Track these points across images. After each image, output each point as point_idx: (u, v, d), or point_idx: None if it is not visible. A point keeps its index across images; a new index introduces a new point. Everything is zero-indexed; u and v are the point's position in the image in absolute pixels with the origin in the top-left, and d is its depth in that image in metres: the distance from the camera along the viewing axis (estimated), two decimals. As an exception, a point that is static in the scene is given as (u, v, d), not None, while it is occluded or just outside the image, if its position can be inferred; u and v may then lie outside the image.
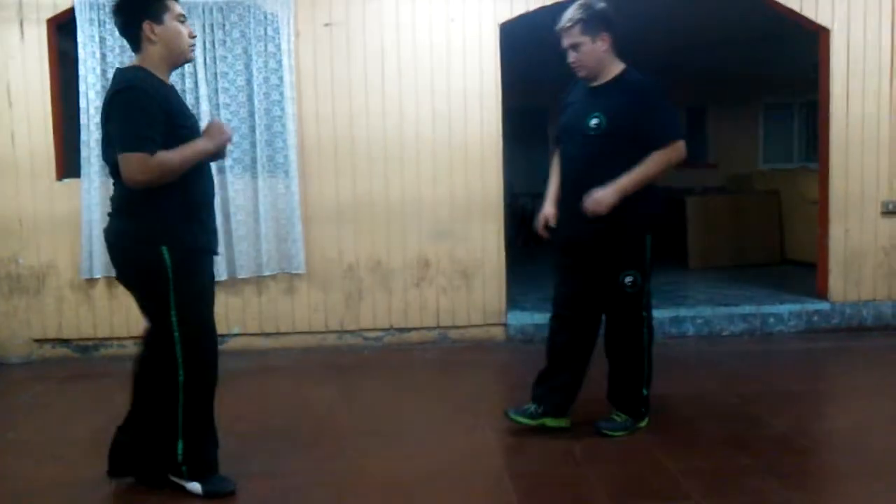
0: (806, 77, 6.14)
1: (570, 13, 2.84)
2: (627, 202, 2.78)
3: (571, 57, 2.88)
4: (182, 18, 2.43)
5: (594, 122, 2.85)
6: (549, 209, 3.05)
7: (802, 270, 6.17)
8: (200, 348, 2.44)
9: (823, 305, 4.92)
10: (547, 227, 3.05)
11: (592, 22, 2.82)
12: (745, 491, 2.44)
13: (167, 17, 2.38)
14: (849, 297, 4.92)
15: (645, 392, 3.00)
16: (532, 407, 3.03)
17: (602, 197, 2.75)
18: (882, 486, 2.47)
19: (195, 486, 2.46)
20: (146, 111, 2.26)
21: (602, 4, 2.89)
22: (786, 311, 4.88)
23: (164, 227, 2.35)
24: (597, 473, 2.63)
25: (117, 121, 2.29)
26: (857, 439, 2.96)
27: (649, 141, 2.79)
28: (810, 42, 5.09)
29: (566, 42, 2.87)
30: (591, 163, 2.85)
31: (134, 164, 2.24)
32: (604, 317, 3.02)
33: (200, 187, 2.43)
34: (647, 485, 2.51)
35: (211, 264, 2.53)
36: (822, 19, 4.80)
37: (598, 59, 2.86)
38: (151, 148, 2.24)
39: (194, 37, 2.49)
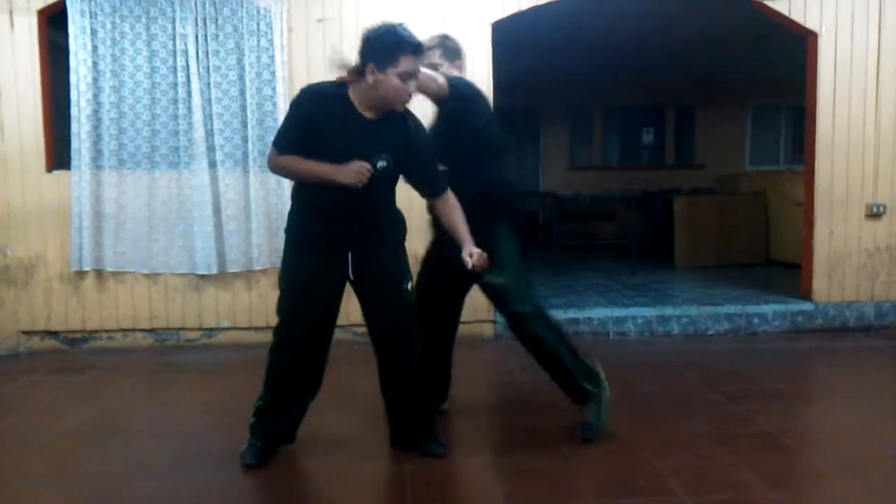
0: (793, 80, 6.21)
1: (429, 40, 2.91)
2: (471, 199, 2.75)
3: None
4: (407, 76, 2.48)
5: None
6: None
7: (787, 271, 6.25)
8: (282, 326, 2.70)
9: (807, 306, 4.99)
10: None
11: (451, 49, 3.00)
12: (730, 488, 2.48)
13: (390, 71, 2.46)
14: (832, 298, 5.00)
15: (585, 385, 2.89)
16: None
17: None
18: (862, 484, 2.52)
19: None
20: (293, 118, 2.57)
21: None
22: (770, 311, 4.94)
23: (290, 216, 2.75)
24: (583, 470, 2.66)
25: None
26: (839, 438, 3.02)
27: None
28: (798, 45, 5.16)
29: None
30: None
31: (269, 153, 2.67)
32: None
33: (321, 198, 2.60)
34: (632, 482, 2.55)
35: (314, 262, 2.69)
36: (810, 23, 4.86)
37: (439, 87, 2.77)
38: (281, 147, 2.58)
39: (411, 95, 2.57)
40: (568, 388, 2.95)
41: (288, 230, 2.77)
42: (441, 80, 2.76)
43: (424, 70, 2.66)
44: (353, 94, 2.57)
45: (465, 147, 2.86)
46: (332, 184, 2.50)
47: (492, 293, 2.93)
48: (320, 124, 2.53)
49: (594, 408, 2.91)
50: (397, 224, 2.82)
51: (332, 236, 2.66)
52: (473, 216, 2.73)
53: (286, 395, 2.75)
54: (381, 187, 2.64)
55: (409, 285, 2.78)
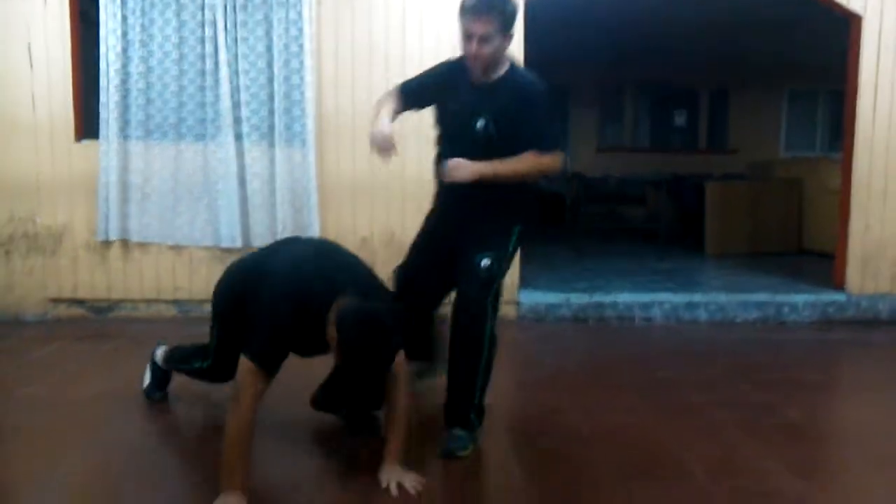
0: (832, 64, 6.03)
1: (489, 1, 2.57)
2: (499, 194, 2.63)
3: (475, 50, 2.53)
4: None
5: (480, 123, 2.61)
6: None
7: (820, 261, 6.11)
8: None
9: (839, 297, 4.87)
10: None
11: (510, 18, 2.57)
12: (752, 476, 2.43)
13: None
14: (865, 289, 4.87)
15: (472, 415, 2.67)
16: None
17: (461, 163, 2.54)
18: (889, 478, 2.45)
19: None
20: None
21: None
22: (801, 300, 4.83)
23: None
24: (603, 454, 2.62)
25: None
26: (867, 431, 2.94)
27: (528, 145, 2.57)
28: (839, 28, 4.99)
29: (475, 29, 2.50)
30: (474, 158, 2.61)
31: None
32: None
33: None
34: (653, 466, 2.51)
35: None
36: (853, 5, 4.69)
37: (500, 56, 2.61)
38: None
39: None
40: (458, 404, 2.67)
41: None
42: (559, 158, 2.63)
43: None
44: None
45: (520, 143, 2.61)
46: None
47: (475, 273, 2.64)
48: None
49: (466, 438, 2.62)
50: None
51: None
52: (497, 206, 2.66)
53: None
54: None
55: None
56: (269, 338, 2.18)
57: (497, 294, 2.68)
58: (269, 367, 2.15)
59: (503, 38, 2.57)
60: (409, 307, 2.73)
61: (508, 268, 2.79)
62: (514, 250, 2.78)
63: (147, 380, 3.13)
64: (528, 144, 2.58)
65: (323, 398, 2.84)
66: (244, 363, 2.15)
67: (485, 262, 2.61)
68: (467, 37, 2.53)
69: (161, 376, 3.10)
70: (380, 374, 2.26)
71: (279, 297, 2.20)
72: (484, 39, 2.50)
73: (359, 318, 2.07)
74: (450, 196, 2.83)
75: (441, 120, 2.83)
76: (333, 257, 2.43)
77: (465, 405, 2.65)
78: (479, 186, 2.58)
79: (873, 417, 3.11)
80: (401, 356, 2.33)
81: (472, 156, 2.57)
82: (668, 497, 2.29)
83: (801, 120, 10.32)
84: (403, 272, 2.94)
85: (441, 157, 2.76)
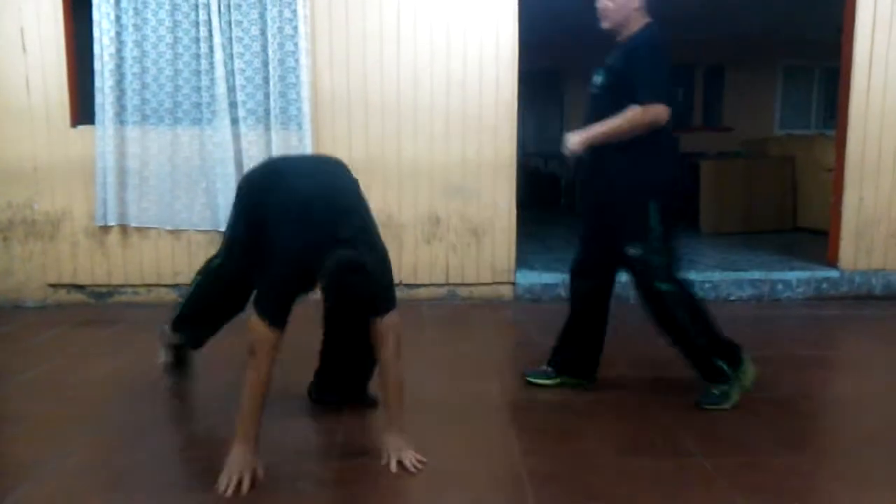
0: (827, 41, 6.02)
1: None
2: (624, 168, 2.74)
3: (601, 3, 2.82)
4: None
5: (599, 79, 2.85)
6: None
7: (814, 238, 6.15)
8: None
9: (833, 273, 4.91)
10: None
11: None
12: (747, 451, 2.48)
13: None
14: (859, 265, 4.92)
15: (714, 359, 2.85)
16: (547, 367, 3.13)
17: (569, 136, 2.78)
18: (882, 452, 2.50)
19: None
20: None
21: None
22: (794, 277, 4.88)
23: None
24: (600, 429, 2.67)
25: None
26: (861, 406, 2.99)
27: (633, 97, 2.67)
28: (835, 4, 4.98)
29: None
30: (595, 121, 2.79)
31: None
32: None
33: None
34: (649, 441, 2.56)
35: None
36: (848, -19, 4.69)
37: (627, 14, 2.78)
38: None
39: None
40: (701, 367, 2.89)
41: None
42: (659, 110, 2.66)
43: None
44: None
45: (624, 95, 2.72)
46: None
47: (630, 266, 2.84)
48: None
49: (724, 387, 2.86)
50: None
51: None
52: (628, 184, 2.75)
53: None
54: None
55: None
56: (279, 295, 2.28)
57: (661, 269, 2.80)
58: (280, 323, 2.26)
59: None
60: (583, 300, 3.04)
61: (664, 244, 2.80)
62: (661, 226, 2.78)
63: (162, 356, 3.04)
64: (629, 96, 2.67)
65: (317, 387, 2.91)
66: (256, 322, 2.24)
67: (633, 251, 2.77)
68: None
69: (175, 348, 3.01)
70: (362, 314, 2.34)
71: (290, 257, 2.28)
72: None
73: (341, 266, 2.16)
74: (585, 184, 3.01)
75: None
76: (338, 198, 2.48)
77: (704, 363, 2.87)
78: (599, 162, 2.80)
79: (866, 392, 3.16)
80: (393, 317, 2.40)
81: (592, 113, 2.80)
82: (663, 470, 2.34)
83: (795, 97, 10.30)
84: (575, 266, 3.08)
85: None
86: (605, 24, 2.86)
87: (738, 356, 2.89)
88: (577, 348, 3.10)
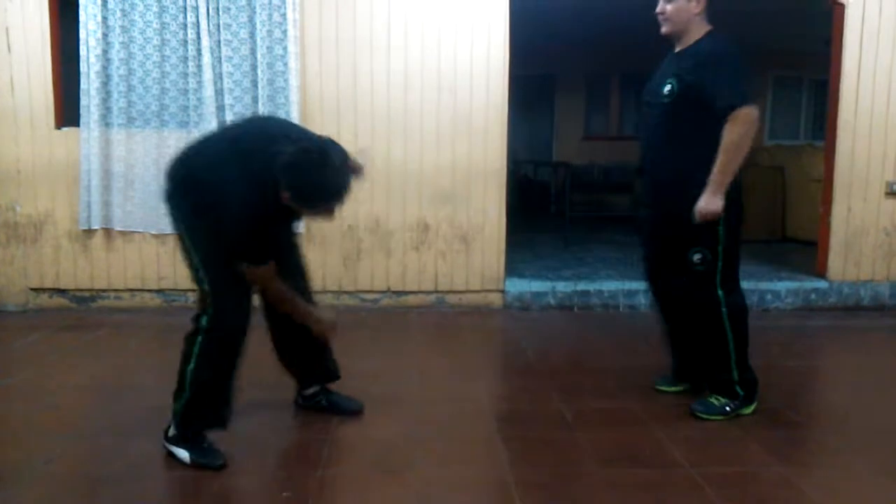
0: (816, 52, 6.05)
1: None
2: (694, 181, 2.67)
3: (660, 7, 2.76)
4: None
5: (667, 88, 2.72)
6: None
7: (803, 248, 6.16)
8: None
9: (821, 284, 4.91)
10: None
11: None
12: (735, 461, 2.46)
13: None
14: (847, 276, 4.92)
15: (735, 376, 2.83)
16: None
17: (706, 205, 2.62)
18: (870, 461, 2.48)
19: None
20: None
21: None
22: (783, 288, 4.88)
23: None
24: (587, 439, 2.64)
25: None
26: (849, 416, 2.98)
27: (711, 106, 2.60)
28: (823, 16, 5.01)
29: None
30: (664, 131, 2.77)
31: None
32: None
33: None
34: (637, 452, 2.53)
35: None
36: (837, -7, 4.71)
37: (687, 19, 2.72)
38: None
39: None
40: (717, 379, 2.86)
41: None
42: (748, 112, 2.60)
43: None
44: None
45: (705, 114, 2.64)
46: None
47: (699, 271, 2.78)
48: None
49: (726, 403, 2.83)
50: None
51: None
52: (693, 191, 2.68)
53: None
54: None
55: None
56: (247, 237, 2.27)
57: (728, 276, 2.79)
58: (267, 260, 2.32)
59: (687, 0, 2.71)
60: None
61: (729, 251, 2.77)
62: (729, 233, 2.75)
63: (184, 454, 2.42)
64: (699, 107, 2.63)
65: (298, 389, 2.89)
66: (249, 270, 2.31)
67: (698, 256, 2.76)
68: None
69: (190, 435, 2.43)
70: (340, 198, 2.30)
71: (235, 196, 2.22)
72: None
73: (295, 157, 2.16)
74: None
75: (643, 97, 2.91)
76: (267, 128, 2.52)
77: (722, 376, 2.85)
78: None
79: (854, 402, 3.15)
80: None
81: (660, 123, 2.75)
82: (651, 480, 2.31)
83: (785, 107, 10.37)
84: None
85: (641, 147, 2.94)
86: (664, 30, 2.79)
87: (754, 393, 2.89)
88: (675, 360, 3.14)
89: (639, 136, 3.02)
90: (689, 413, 2.85)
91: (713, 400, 2.86)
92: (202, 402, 2.39)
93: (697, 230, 2.72)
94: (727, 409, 2.83)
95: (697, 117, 2.66)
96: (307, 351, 2.75)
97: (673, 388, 3.14)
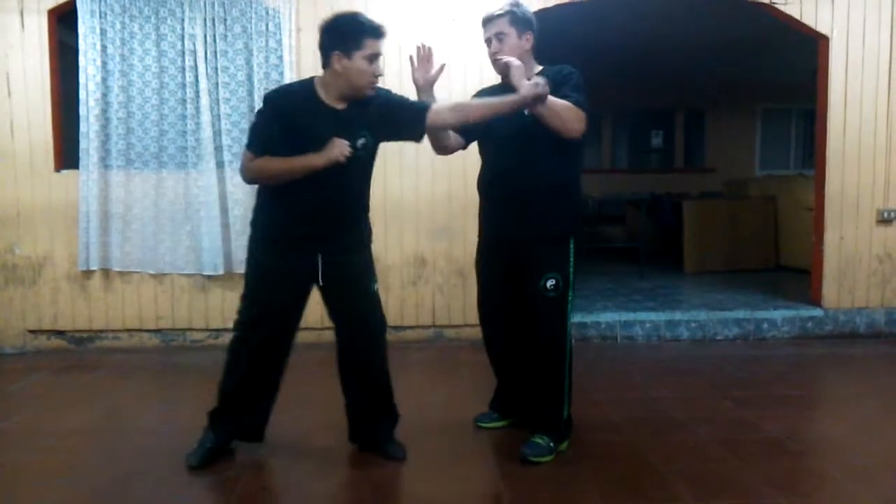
0: (804, 84, 6.16)
1: (500, 5, 2.81)
2: (549, 205, 2.75)
3: (494, 47, 2.80)
4: (373, 58, 2.55)
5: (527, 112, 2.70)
6: None
7: (797, 277, 6.20)
8: (242, 326, 2.72)
9: (817, 312, 4.94)
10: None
11: (521, 17, 2.79)
12: (737, 493, 2.46)
13: (357, 55, 2.52)
14: (842, 304, 4.95)
15: (565, 412, 2.81)
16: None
17: (526, 91, 2.53)
18: (872, 491, 2.48)
19: None
20: (262, 118, 2.59)
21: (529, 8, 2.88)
22: (779, 316, 4.90)
23: (259, 214, 2.72)
24: (587, 473, 2.64)
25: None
26: (848, 445, 2.98)
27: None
28: (809, 49, 5.12)
29: (491, 31, 2.80)
30: (521, 152, 2.78)
31: (242, 160, 2.63)
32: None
33: (298, 196, 2.56)
34: (637, 485, 2.53)
35: (281, 262, 2.65)
36: (821, 27, 4.82)
37: (520, 55, 2.77)
38: (255, 148, 2.55)
39: (378, 76, 2.62)
40: (551, 415, 2.80)
41: (256, 228, 2.70)
42: (584, 117, 2.69)
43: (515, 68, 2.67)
44: (319, 87, 2.59)
45: (547, 142, 2.71)
46: (314, 171, 2.47)
47: (546, 302, 2.75)
48: (293, 122, 2.53)
49: (549, 440, 2.76)
50: (367, 229, 2.81)
51: (305, 236, 2.60)
52: (547, 220, 2.75)
53: (244, 396, 2.72)
54: (360, 177, 2.71)
55: (376, 287, 2.80)
56: (260, 128, 2.57)
57: (570, 311, 2.80)
58: (258, 150, 2.53)
59: (518, 37, 2.78)
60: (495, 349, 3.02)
61: (573, 282, 2.80)
62: (575, 261, 2.79)
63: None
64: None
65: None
66: (247, 156, 2.56)
67: (551, 282, 2.73)
68: (487, 42, 2.82)
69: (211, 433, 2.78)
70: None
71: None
72: (499, 38, 2.78)
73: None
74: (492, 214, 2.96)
75: (487, 129, 2.85)
76: None
77: (557, 412, 2.79)
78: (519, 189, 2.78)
79: (854, 431, 3.15)
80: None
81: (519, 145, 2.77)
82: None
83: (774, 138, 10.50)
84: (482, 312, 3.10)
85: (484, 164, 2.98)
86: (499, 67, 2.81)
87: (571, 427, 2.88)
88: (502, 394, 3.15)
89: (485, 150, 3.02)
90: (519, 459, 2.71)
91: (538, 440, 2.76)
92: (224, 410, 2.71)
93: (551, 255, 2.74)
94: (551, 445, 2.75)
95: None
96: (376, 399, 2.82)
97: (497, 424, 3.10)
